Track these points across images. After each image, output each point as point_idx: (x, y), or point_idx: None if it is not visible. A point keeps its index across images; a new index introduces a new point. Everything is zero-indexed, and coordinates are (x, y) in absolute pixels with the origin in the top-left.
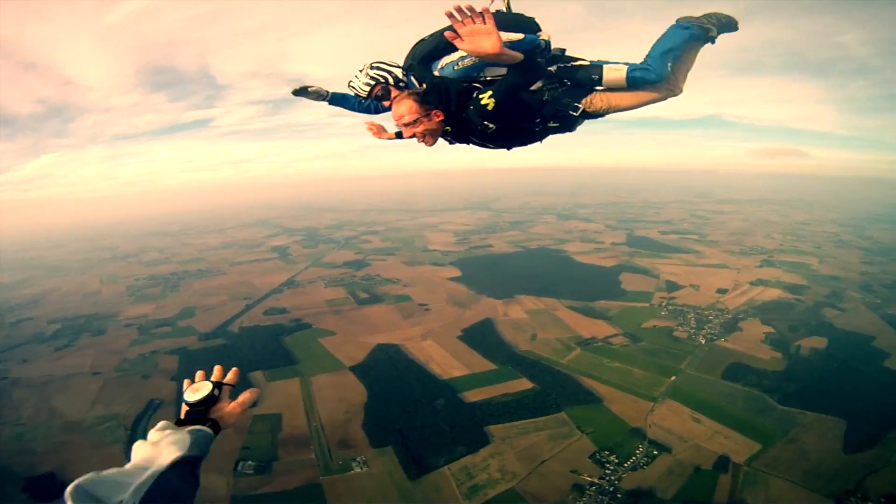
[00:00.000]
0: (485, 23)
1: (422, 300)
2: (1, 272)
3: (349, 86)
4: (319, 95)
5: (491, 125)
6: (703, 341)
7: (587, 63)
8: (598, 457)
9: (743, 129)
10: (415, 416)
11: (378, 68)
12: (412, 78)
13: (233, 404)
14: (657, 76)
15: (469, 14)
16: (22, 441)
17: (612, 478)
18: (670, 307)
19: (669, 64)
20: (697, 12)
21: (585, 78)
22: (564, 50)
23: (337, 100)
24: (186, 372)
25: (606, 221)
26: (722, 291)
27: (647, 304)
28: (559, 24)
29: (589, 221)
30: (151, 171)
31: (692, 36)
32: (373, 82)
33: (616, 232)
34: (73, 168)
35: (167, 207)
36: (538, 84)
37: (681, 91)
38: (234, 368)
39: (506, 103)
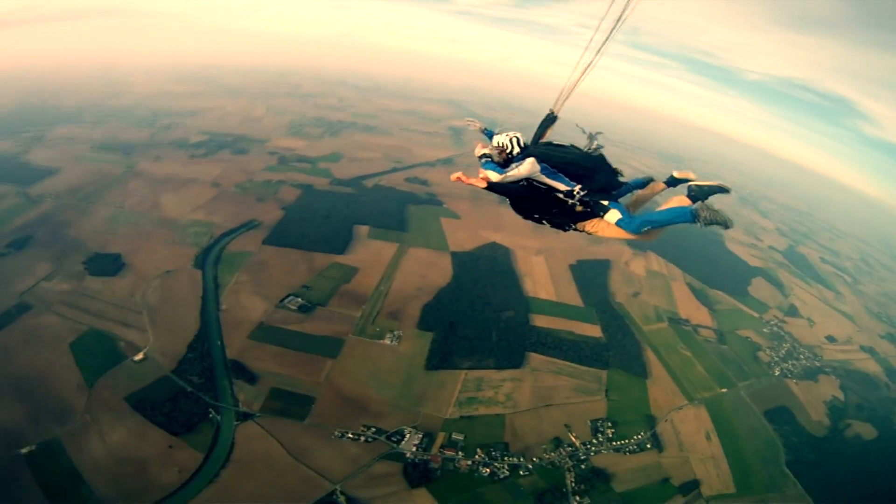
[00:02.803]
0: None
1: None
2: (176, 82)
3: (495, 132)
4: (482, 130)
5: (508, 201)
6: (777, 373)
7: (606, 203)
8: (598, 424)
9: None
10: (475, 315)
11: (510, 140)
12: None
13: None
14: (631, 231)
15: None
16: (111, 221)
17: (592, 449)
18: (775, 328)
19: (645, 229)
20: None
21: (597, 211)
22: (620, 174)
23: (488, 135)
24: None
25: (780, 224)
26: (830, 339)
27: (756, 315)
28: None
29: (763, 216)
30: (368, 29)
31: (684, 221)
32: (498, 144)
33: (781, 238)
34: (287, 6)
35: (368, 66)
36: (561, 195)
37: (652, 240)
38: None
39: (514, 199)
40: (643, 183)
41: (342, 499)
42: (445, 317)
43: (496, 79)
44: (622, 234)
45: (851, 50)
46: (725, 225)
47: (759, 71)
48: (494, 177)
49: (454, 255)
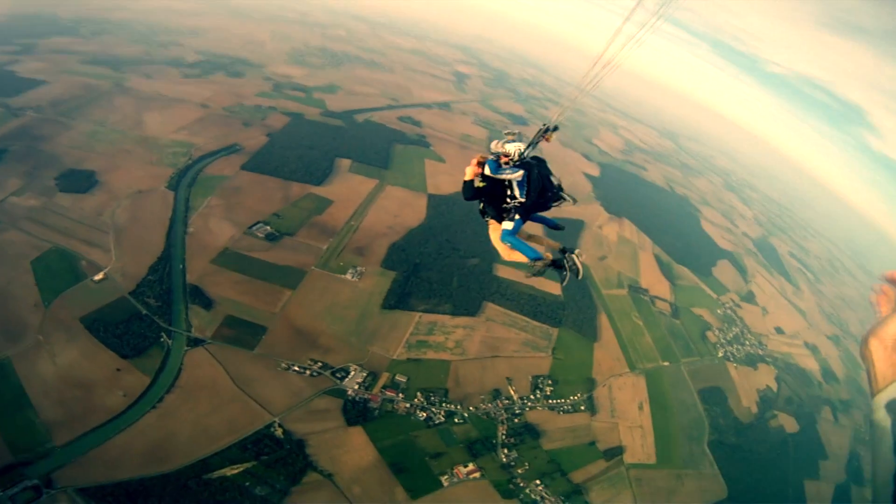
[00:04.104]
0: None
1: None
2: None
3: (512, 143)
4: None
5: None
6: (720, 355)
7: (517, 217)
8: (539, 381)
9: None
10: (441, 260)
11: (515, 151)
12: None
13: None
14: (502, 240)
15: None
16: (90, 137)
17: (528, 404)
18: (729, 311)
19: (508, 245)
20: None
21: (509, 217)
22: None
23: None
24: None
25: (759, 214)
26: (779, 331)
27: (714, 296)
28: None
29: (745, 203)
30: None
31: (529, 258)
32: (508, 151)
33: (756, 227)
34: None
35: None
36: (507, 195)
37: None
38: None
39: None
40: (555, 224)
41: (279, 431)
42: (411, 258)
43: (520, 32)
44: (496, 238)
45: (879, 59)
46: (536, 275)
47: (782, 64)
48: (487, 171)
49: (431, 197)
